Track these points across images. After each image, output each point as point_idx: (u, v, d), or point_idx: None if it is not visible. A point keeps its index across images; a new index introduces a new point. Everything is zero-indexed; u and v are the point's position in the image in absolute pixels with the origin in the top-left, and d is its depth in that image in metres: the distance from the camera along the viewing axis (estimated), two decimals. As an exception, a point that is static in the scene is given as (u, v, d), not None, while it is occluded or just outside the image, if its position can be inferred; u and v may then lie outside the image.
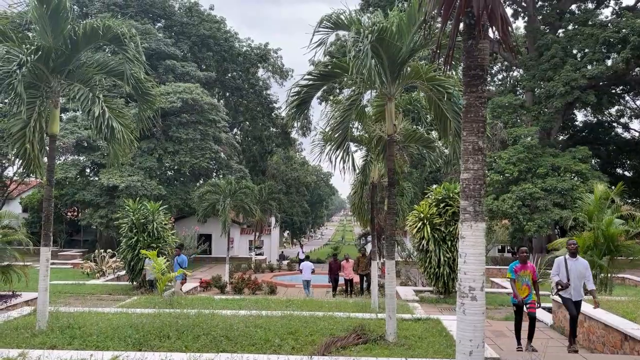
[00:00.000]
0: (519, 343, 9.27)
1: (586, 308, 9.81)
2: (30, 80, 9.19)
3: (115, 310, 11.56)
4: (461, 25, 5.17)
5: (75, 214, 44.29)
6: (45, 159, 9.88)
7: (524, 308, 9.28)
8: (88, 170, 36.83)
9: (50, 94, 9.48)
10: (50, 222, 9.48)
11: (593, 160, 34.98)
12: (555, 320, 11.54)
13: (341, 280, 22.08)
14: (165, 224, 19.43)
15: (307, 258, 23.41)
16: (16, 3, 9.05)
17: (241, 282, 21.50)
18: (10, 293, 13.94)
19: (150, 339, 8.31)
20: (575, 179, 29.62)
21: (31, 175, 10.41)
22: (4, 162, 36.09)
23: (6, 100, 10.06)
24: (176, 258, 17.15)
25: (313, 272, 20.59)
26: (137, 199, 20.78)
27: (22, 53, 8.38)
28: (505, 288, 19.33)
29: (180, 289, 16.88)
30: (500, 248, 41.04)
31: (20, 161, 9.80)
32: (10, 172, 37.79)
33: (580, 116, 42.32)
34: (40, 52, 8.69)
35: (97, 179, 33.78)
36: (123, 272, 21.44)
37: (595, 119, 41.94)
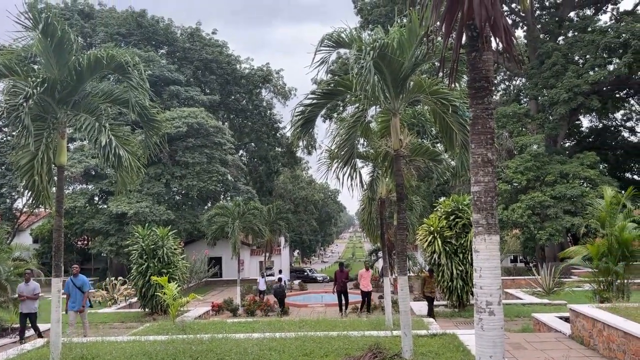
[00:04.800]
0: None
1: (603, 315, 9.62)
2: (37, 113, 9.26)
3: (128, 338, 11.46)
4: (464, 37, 5.15)
5: (86, 242, 44.31)
6: (54, 190, 9.89)
7: None
8: (97, 199, 37.00)
9: (57, 125, 9.53)
10: (60, 253, 9.45)
11: (601, 166, 34.66)
12: (574, 329, 11.31)
13: (353, 298, 21.72)
14: (175, 249, 19.39)
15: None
16: (21, 37, 9.14)
17: (253, 304, 21.37)
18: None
19: (165, 366, 8.22)
20: (585, 185, 29.38)
21: (40, 206, 10.39)
22: (13, 194, 36.33)
23: (14, 133, 10.14)
24: (71, 279, 13.34)
25: (266, 283, 27.68)
26: (146, 224, 20.79)
27: (28, 86, 8.44)
28: (521, 299, 19.04)
29: (85, 323, 13.34)
30: (512, 258, 40.63)
31: (30, 193, 9.81)
32: (20, 203, 38.01)
33: (585, 122, 42.19)
34: (45, 85, 8.74)
35: (105, 206, 33.95)
36: (135, 299, 21.35)
37: (601, 124, 41.73)
